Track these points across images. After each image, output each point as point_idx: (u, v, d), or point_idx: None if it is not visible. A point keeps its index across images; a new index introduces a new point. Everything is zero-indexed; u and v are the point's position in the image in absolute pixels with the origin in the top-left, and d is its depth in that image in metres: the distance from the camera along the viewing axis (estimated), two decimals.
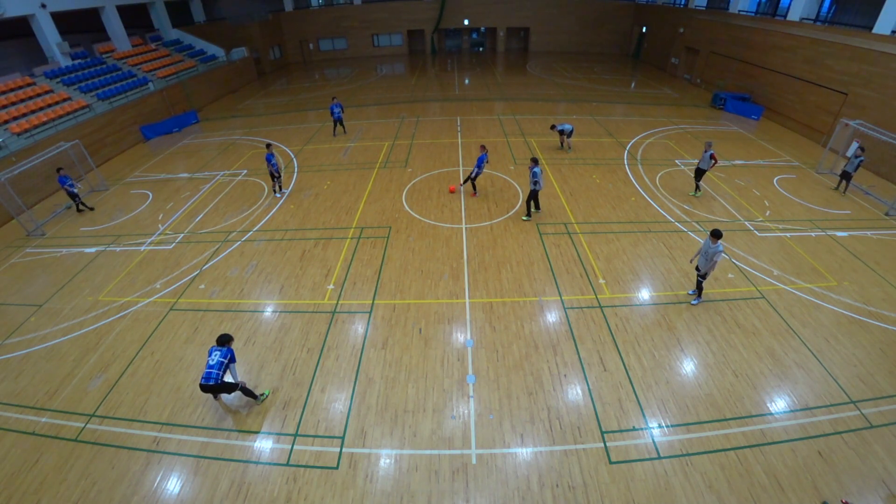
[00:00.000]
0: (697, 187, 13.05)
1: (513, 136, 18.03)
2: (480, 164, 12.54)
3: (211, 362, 6.41)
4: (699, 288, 8.77)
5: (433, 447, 6.35)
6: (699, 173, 12.71)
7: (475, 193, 13.27)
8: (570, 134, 16.19)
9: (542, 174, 11.03)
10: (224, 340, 6.49)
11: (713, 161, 12.10)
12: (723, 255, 7.87)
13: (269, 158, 13.02)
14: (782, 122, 19.22)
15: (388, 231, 11.60)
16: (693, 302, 8.88)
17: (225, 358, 6.44)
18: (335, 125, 18.69)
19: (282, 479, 6.02)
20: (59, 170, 13.19)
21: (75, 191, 13.30)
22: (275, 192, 13.72)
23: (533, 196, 11.53)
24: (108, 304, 9.55)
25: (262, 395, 7.13)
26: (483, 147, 12.78)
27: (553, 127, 16.37)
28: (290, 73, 33.97)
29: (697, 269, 8.53)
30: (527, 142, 17.42)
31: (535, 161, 11.07)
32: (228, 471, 6.16)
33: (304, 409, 6.98)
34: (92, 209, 13.79)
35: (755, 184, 13.76)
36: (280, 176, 13.58)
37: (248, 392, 6.88)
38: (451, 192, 13.23)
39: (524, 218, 11.89)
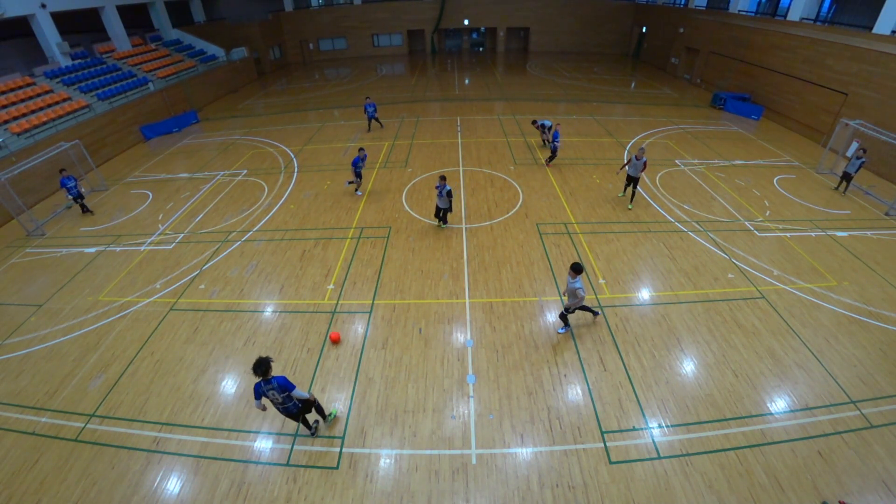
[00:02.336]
0: (626, 191, 12.56)
1: (513, 136, 18.03)
2: (556, 138, 14.38)
3: (277, 402, 5.66)
4: (563, 319, 8.05)
5: (433, 447, 6.35)
6: (631, 180, 12.03)
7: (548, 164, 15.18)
8: (549, 129, 16.18)
9: (448, 192, 10.61)
10: (264, 371, 5.35)
11: (644, 168, 11.58)
12: (583, 290, 7.24)
13: (356, 161, 12.85)
14: (782, 122, 19.22)
15: (388, 231, 11.61)
16: (560, 331, 8.22)
17: (283, 392, 5.57)
18: (370, 122, 19.19)
19: (282, 479, 6.02)
20: (62, 171, 12.99)
21: (72, 195, 12.92)
22: (357, 191, 13.68)
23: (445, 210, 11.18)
24: (108, 304, 9.55)
25: (330, 414, 6.69)
26: (557, 124, 15.04)
27: (534, 122, 16.50)
28: (290, 73, 33.97)
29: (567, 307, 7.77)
30: (527, 142, 17.41)
31: (443, 178, 10.60)
32: (228, 471, 6.16)
33: None
34: (91, 213, 13.64)
35: (755, 184, 13.76)
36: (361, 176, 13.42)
37: (319, 408, 6.44)
38: (334, 340, 8.23)
39: (441, 225, 11.58)
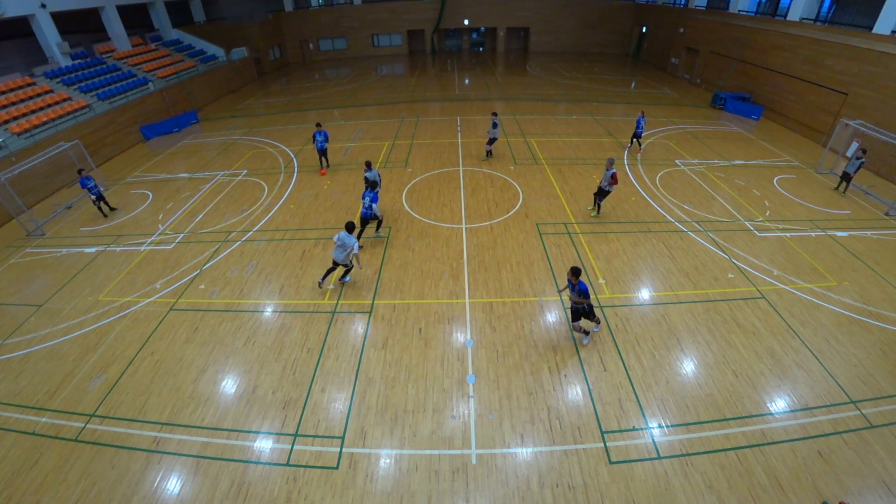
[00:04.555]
0: (598, 207, 11.81)
1: (513, 136, 18.03)
2: (640, 124, 15.50)
3: (365, 204, 10.22)
4: None
5: (433, 447, 6.35)
6: (601, 193, 11.49)
7: (640, 150, 16.25)
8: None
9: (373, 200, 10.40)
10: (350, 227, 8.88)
11: (614, 181, 10.92)
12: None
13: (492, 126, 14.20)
14: (782, 122, 19.22)
15: (389, 231, 11.60)
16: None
17: (374, 202, 10.19)
18: (320, 157, 15.23)
19: (282, 479, 6.02)
20: (80, 171, 12.90)
21: (94, 195, 12.78)
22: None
23: (365, 221, 10.64)
24: (108, 304, 9.55)
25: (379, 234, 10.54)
26: (642, 111, 15.85)
27: (494, 115, 15.26)
28: (290, 73, 33.96)
29: None
30: (527, 142, 17.42)
31: (370, 166, 11.35)
32: (228, 471, 6.16)
33: (304, 409, 6.98)
34: (115, 209, 13.52)
35: (755, 184, 13.76)
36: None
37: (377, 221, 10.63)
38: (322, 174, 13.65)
39: (376, 235, 11.29)
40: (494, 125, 14.96)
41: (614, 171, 10.87)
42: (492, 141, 15.40)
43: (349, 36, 37.42)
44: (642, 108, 17.63)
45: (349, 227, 8.94)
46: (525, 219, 11.96)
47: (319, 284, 9.54)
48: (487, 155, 15.84)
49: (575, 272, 7.14)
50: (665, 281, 9.55)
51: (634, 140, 16.19)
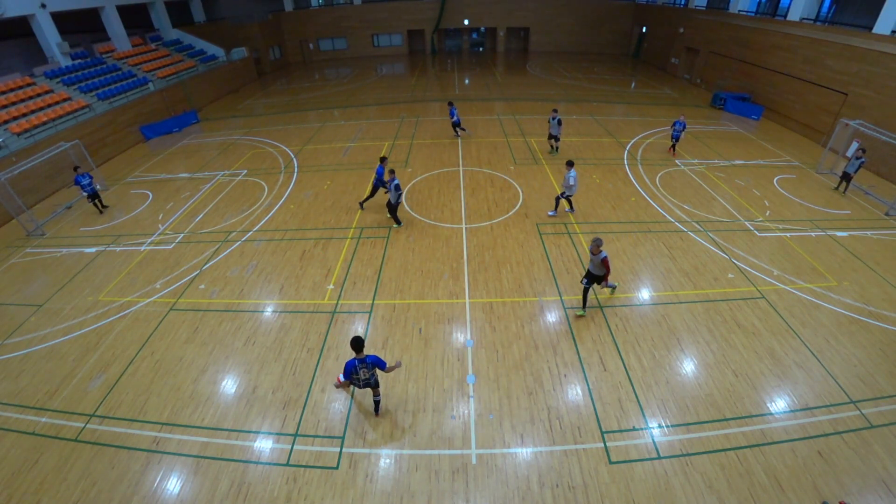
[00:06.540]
0: (612, 288, 9.04)
1: (513, 136, 18.03)
2: (684, 127, 15.43)
3: (364, 377, 6.22)
4: None
5: (433, 447, 6.35)
6: (592, 279, 8.28)
7: (674, 154, 16.04)
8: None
9: (395, 186, 10.88)
10: (360, 345, 6.06)
11: (605, 267, 7.90)
12: None
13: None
14: (782, 122, 19.22)
15: (388, 231, 11.60)
16: None
17: (374, 367, 6.25)
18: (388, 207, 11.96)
19: (282, 479, 6.02)
20: (76, 168, 13.04)
21: (87, 192, 12.95)
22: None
23: (391, 209, 11.50)
24: (108, 304, 9.54)
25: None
26: (683, 115, 15.80)
27: (554, 111, 15.61)
28: (290, 73, 33.96)
29: None
30: (526, 142, 17.41)
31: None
32: (228, 471, 6.16)
33: (304, 409, 6.98)
34: (106, 206, 13.68)
35: (755, 184, 13.76)
36: None
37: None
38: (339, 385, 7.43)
39: (395, 226, 11.77)
40: (559, 122, 15.48)
41: (605, 255, 7.81)
42: (555, 137, 15.94)
43: (349, 36, 37.41)
44: (682, 113, 18.40)
45: (569, 163, 11.25)
46: (525, 219, 11.96)
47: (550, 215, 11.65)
48: (556, 149, 16.37)
49: None
50: (665, 281, 9.55)
51: (674, 143, 15.90)
